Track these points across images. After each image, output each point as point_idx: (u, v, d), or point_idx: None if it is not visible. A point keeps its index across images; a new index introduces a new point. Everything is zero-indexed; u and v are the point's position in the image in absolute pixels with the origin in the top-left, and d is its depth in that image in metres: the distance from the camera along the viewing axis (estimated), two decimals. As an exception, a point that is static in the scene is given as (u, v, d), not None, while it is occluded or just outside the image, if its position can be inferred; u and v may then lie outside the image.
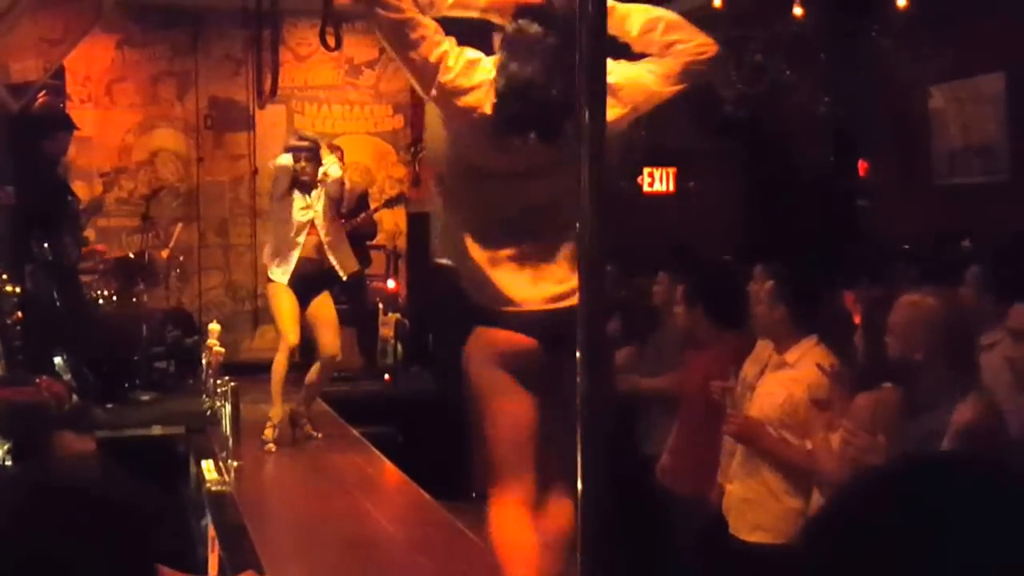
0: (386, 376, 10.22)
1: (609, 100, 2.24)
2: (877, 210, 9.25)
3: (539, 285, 3.55)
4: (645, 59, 3.60)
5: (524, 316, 3.53)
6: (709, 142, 10.86)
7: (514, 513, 3.56)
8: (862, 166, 9.54)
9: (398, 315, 10.38)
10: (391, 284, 11.03)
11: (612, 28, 3.37)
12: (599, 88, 1.90)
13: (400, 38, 3.46)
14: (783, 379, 4.70)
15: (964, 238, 7.21)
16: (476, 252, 3.58)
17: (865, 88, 7.69)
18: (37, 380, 7.49)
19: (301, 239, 7.34)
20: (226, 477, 6.30)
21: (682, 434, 5.77)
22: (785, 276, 4.94)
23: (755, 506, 4.78)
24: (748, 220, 10.66)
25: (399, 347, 10.25)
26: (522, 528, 3.54)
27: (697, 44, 3.56)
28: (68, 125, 8.98)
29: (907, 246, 8.02)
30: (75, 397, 7.72)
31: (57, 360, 8.31)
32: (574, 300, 2.14)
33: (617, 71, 3.45)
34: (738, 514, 4.87)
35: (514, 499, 3.55)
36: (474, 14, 3.61)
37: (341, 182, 7.46)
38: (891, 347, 3.89)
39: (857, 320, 5.57)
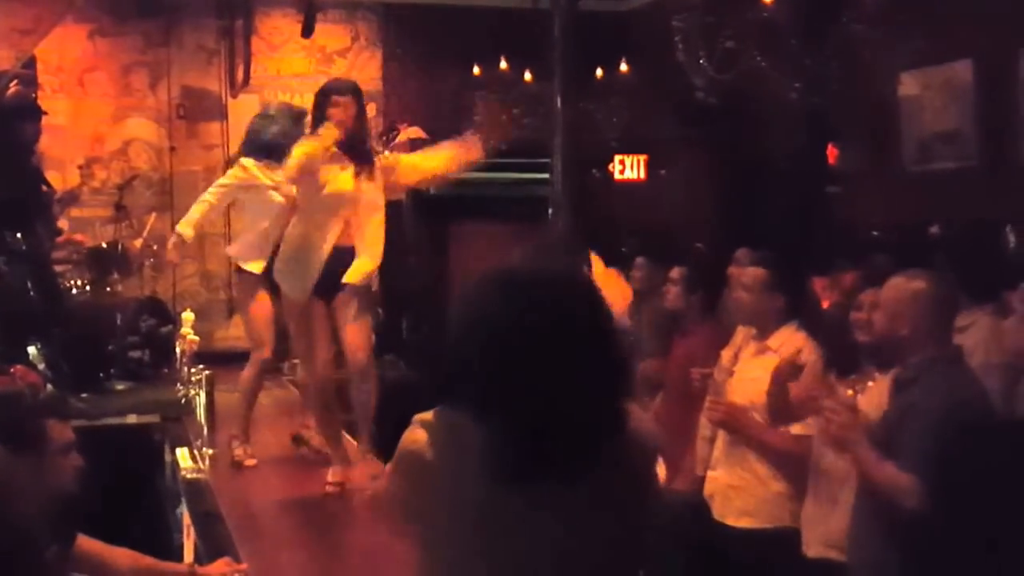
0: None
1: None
2: (847, 196, 9.31)
3: None
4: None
5: None
6: (680, 129, 10.91)
7: None
8: (832, 152, 9.60)
9: (371, 303, 10.33)
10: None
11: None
12: (570, 86, 1.94)
13: None
14: (768, 364, 4.71)
15: (932, 224, 7.27)
16: None
17: (836, 74, 7.74)
18: (11, 369, 7.48)
19: None
20: (201, 465, 6.33)
21: (665, 419, 5.78)
22: (781, 265, 4.97)
23: (741, 492, 4.78)
24: (718, 207, 10.71)
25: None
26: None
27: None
28: (40, 114, 8.91)
29: (876, 232, 8.08)
30: (49, 387, 7.72)
31: (31, 350, 8.29)
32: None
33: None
34: (723, 500, 4.87)
35: None
36: None
37: None
38: (878, 323, 3.97)
39: (825, 304, 5.63)
